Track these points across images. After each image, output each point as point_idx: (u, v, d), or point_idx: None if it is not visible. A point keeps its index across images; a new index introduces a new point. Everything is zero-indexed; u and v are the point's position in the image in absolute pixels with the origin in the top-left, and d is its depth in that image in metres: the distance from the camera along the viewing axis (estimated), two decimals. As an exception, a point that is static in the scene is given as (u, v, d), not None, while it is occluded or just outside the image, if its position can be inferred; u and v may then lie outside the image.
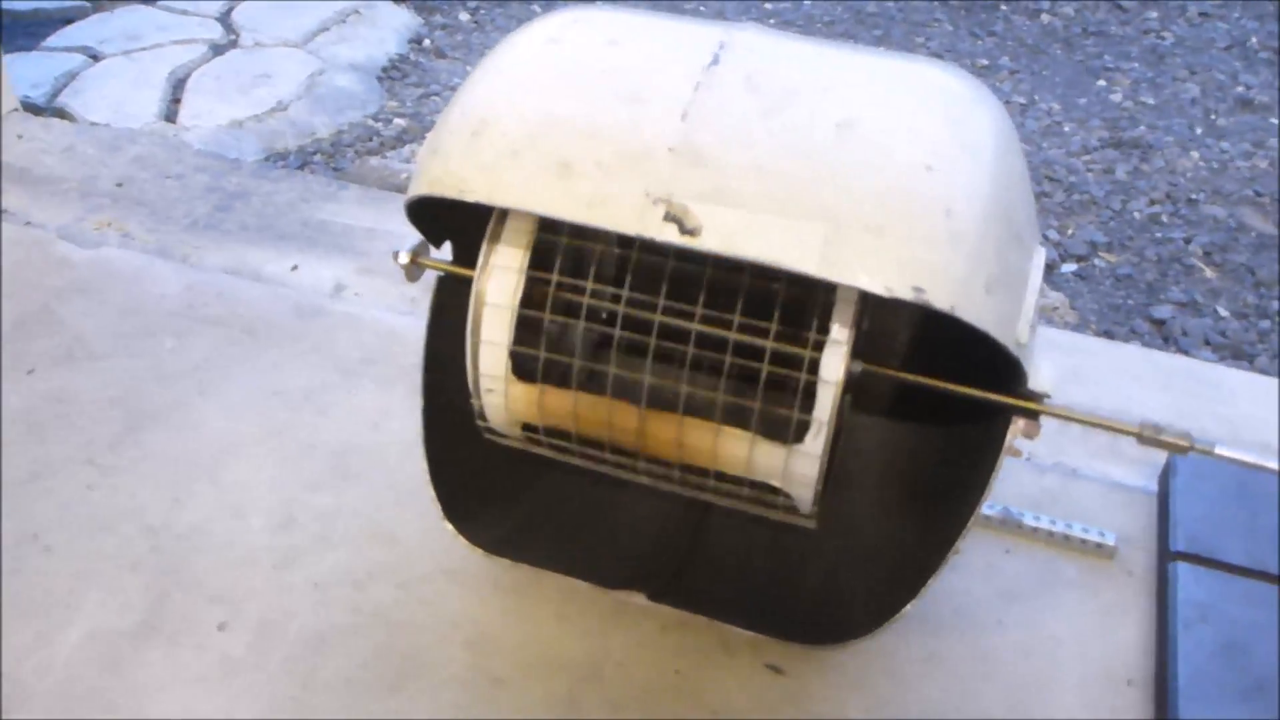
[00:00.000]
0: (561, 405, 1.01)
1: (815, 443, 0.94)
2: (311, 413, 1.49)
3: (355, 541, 1.32)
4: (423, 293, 1.59)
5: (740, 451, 0.97)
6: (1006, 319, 0.89)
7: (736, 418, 0.98)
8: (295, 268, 1.79)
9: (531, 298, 0.98)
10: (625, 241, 0.96)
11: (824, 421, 0.92)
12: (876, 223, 0.84)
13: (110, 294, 1.69)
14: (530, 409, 1.02)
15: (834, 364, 0.91)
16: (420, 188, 0.93)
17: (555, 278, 0.97)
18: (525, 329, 0.99)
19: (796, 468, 0.96)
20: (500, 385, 1.01)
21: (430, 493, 1.15)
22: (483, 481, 1.21)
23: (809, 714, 1.16)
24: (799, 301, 0.94)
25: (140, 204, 1.95)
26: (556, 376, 1.01)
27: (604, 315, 0.99)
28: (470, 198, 0.90)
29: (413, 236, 1.08)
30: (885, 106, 0.91)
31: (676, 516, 1.25)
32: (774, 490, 1.00)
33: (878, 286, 0.83)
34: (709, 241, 0.85)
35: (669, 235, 0.86)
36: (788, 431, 0.95)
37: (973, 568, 1.29)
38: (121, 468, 1.40)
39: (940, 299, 0.84)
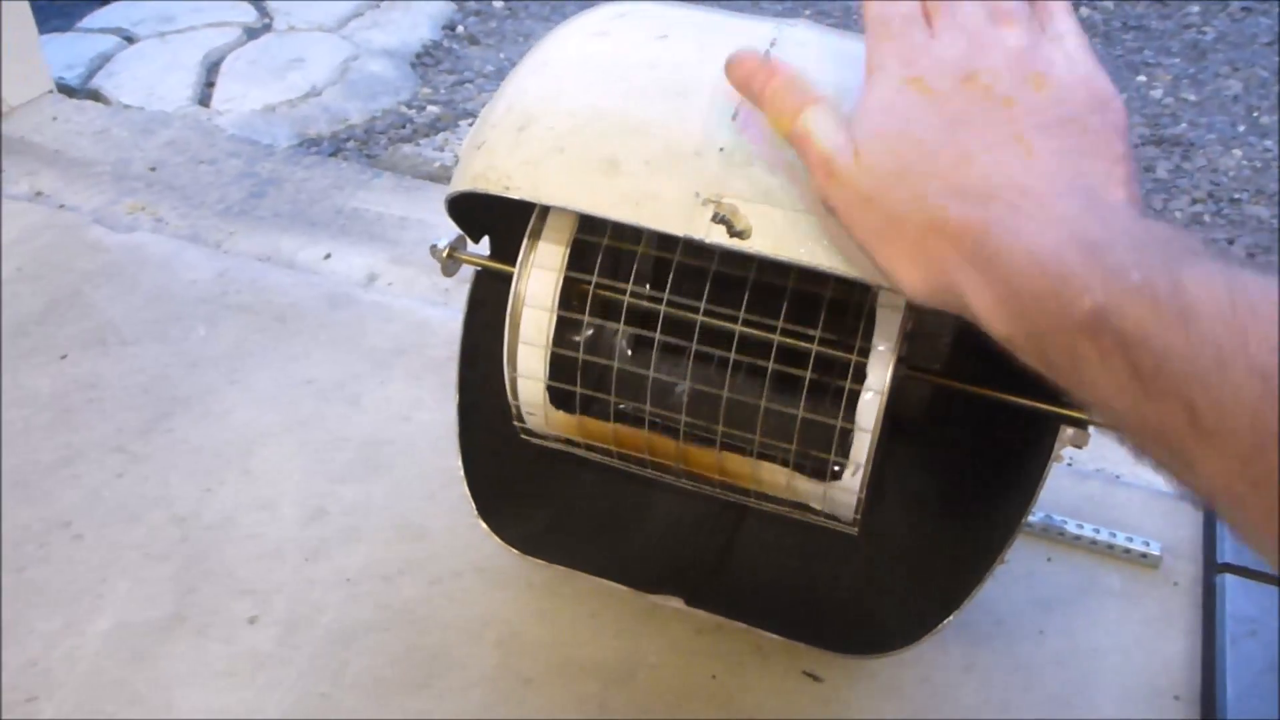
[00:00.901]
0: (601, 431, 1.00)
1: (853, 480, 0.92)
2: (342, 403, 1.47)
3: (385, 535, 1.30)
4: (455, 284, 1.58)
5: (780, 480, 0.97)
6: (1061, 327, 0.87)
7: (774, 456, 0.97)
8: (328, 256, 1.78)
9: (569, 303, 0.97)
10: (665, 247, 0.95)
11: (860, 464, 0.91)
12: (931, 227, 0.82)
13: (142, 279, 1.68)
14: (570, 431, 1.01)
15: (870, 412, 0.89)
16: (464, 183, 0.92)
17: (594, 285, 0.95)
18: (563, 336, 0.98)
19: (836, 497, 0.95)
20: (540, 411, 1.00)
21: (463, 489, 1.13)
22: (517, 479, 1.20)
23: (844, 721, 1.14)
24: (840, 314, 0.92)
25: (173, 188, 1.94)
26: (595, 409, 1.01)
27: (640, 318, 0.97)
28: (514, 194, 0.88)
29: (448, 228, 1.06)
30: (941, 107, 0.88)
31: (713, 518, 1.23)
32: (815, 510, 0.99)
33: (930, 293, 0.81)
34: (758, 244, 0.83)
35: (717, 237, 0.84)
36: (825, 469, 0.95)
37: (1013, 576, 1.27)
38: (151, 455, 1.40)
39: (995, 306, 0.81)
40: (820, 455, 0.93)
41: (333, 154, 2.30)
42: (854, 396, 0.90)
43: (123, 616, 1.22)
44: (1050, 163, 0.67)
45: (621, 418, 0.99)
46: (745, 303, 0.92)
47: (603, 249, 0.95)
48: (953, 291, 0.68)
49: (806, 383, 0.91)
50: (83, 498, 1.34)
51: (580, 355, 0.97)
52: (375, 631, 1.21)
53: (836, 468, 0.93)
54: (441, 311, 1.63)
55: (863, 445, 0.90)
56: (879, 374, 0.89)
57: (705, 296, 0.93)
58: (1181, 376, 0.55)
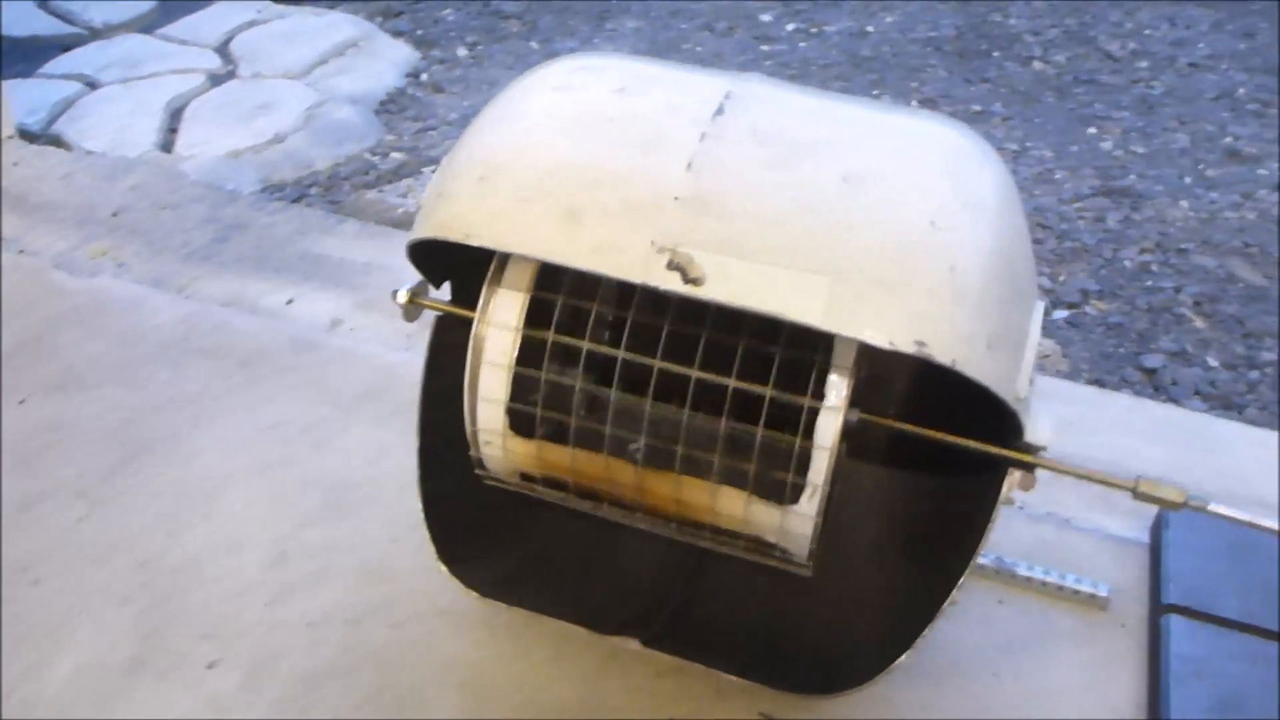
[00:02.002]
0: (560, 459, 1.01)
1: (810, 504, 0.94)
2: (307, 447, 1.48)
3: (349, 579, 1.31)
4: (420, 329, 1.59)
5: (736, 509, 0.98)
6: (1007, 373, 0.90)
7: (733, 478, 0.98)
8: (291, 301, 1.79)
9: (530, 349, 0.99)
10: (625, 296, 0.97)
11: (818, 485, 0.93)
12: (881, 277, 0.85)
13: (105, 324, 1.69)
14: (529, 461, 1.03)
15: (829, 429, 0.91)
16: (426, 230, 0.94)
17: (552, 336, 0.97)
18: (523, 382, 0.99)
19: (792, 526, 0.97)
20: (498, 439, 1.01)
21: (425, 533, 1.15)
22: (478, 523, 1.21)
23: (801, 762, 1.16)
24: (795, 365, 0.94)
25: (136, 234, 1.95)
26: (554, 432, 1.02)
27: (600, 364, 0.99)
28: (476, 242, 0.90)
29: (410, 274, 1.08)
30: (890, 161, 0.92)
31: (673, 562, 1.25)
32: (770, 544, 1.01)
33: (881, 340, 0.84)
34: (713, 291, 0.85)
35: (673, 284, 0.86)
36: (783, 493, 0.96)
37: (967, 617, 1.29)
38: (114, 499, 1.40)
39: (942, 353, 0.84)
40: (779, 475, 0.94)
41: (297, 200, 2.31)
42: (813, 418, 0.91)
43: (83, 661, 1.22)
44: None
45: (581, 443, 1.01)
46: (702, 345, 0.94)
47: (564, 296, 0.97)
48: None
49: (767, 399, 0.92)
50: (44, 543, 1.34)
51: (544, 375, 0.98)
52: (339, 675, 1.21)
53: (794, 489, 0.95)
54: (406, 356, 1.65)
55: (821, 464, 0.92)
56: (837, 391, 0.91)
57: (665, 334, 0.95)
58: None
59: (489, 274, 1.00)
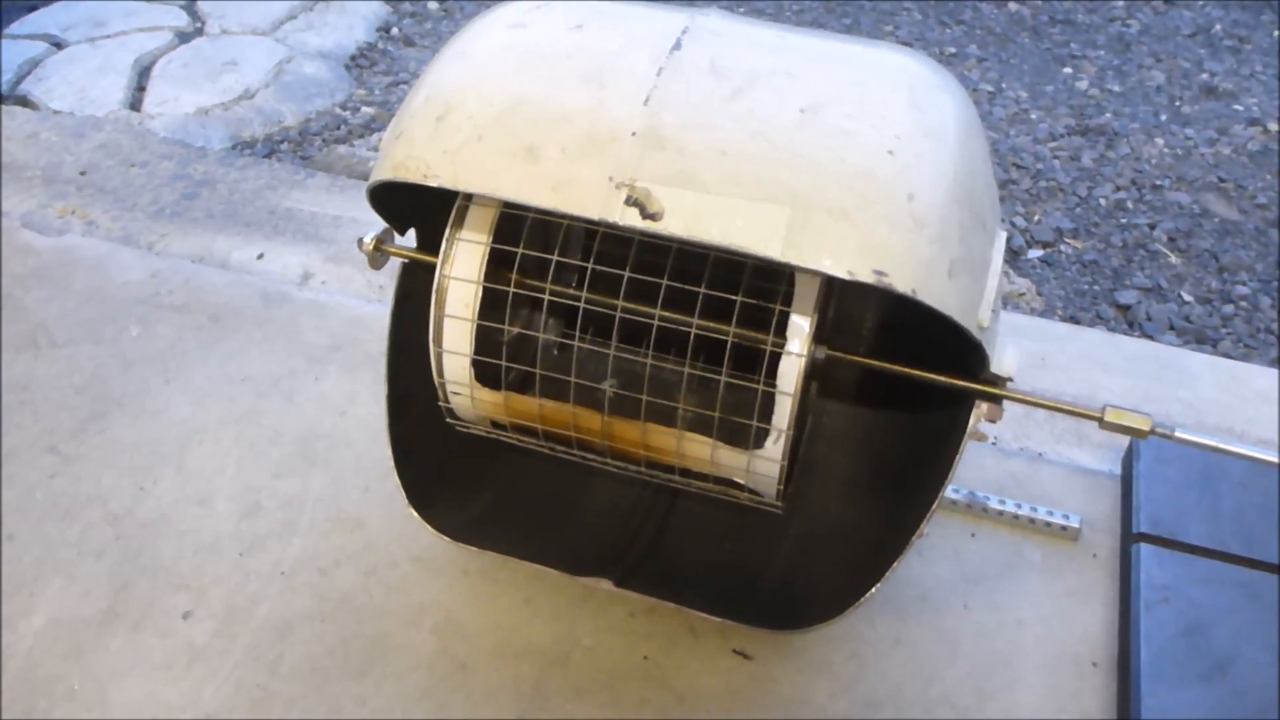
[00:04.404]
0: (527, 409, 1.01)
1: (775, 448, 0.94)
2: (278, 399, 1.48)
3: (321, 528, 1.31)
4: (389, 279, 1.59)
5: (703, 454, 0.98)
6: (969, 303, 0.89)
7: (698, 426, 0.99)
8: (261, 255, 1.78)
9: (493, 295, 0.98)
10: (588, 244, 0.97)
11: (783, 429, 0.93)
12: (839, 206, 0.84)
13: (74, 281, 1.68)
14: (497, 410, 1.03)
15: (791, 373, 0.91)
16: (384, 172, 0.93)
17: (513, 289, 0.97)
18: (487, 332, 0.99)
19: (759, 469, 0.97)
20: (465, 390, 1.01)
21: (396, 480, 1.15)
22: (448, 468, 1.21)
23: (775, 697, 1.16)
24: (760, 304, 0.94)
25: (104, 192, 1.93)
26: (521, 380, 1.02)
27: (565, 310, 0.99)
28: (434, 182, 0.89)
29: (379, 224, 1.07)
30: (848, 91, 0.91)
31: (644, 502, 1.25)
32: (739, 484, 1.01)
33: (840, 270, 0.84)
34: (672, 225, 0.85)
35: (631, 220, 0.86)
36: (748, 438, 0.96)
37: (938, 552, 1.30)
38: (85, 455, 1.39)
39: (902, 282, 0.84)
40: (742, 421, 0.94)
41: (267, 155, 2.29)
42: (775, 360, 0.91)
43: (57, 614, 1.22)
44: None
45: (548, 395, 1.01)
46: (664, 288, 0.94)
47: (528, 236, 0.97)
48: None
49: (730, 345, 0.92)
50: (15, 498, 1.34)
51: (505, 326, 0.98)
52: (312, 622, 1.22)
53: (759, 433, 0.95)
54: (376, 308, 1.64)
55: (784, 410, 0.92)
56: (799, 337, 0.91)
57: (626, 278, 0.95)
58: None
59: (449, 222, 1.00)
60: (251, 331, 1.59)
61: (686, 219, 0.84)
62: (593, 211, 0.86)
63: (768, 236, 0.84)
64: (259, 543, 1.29)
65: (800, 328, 0.91)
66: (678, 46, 0.93)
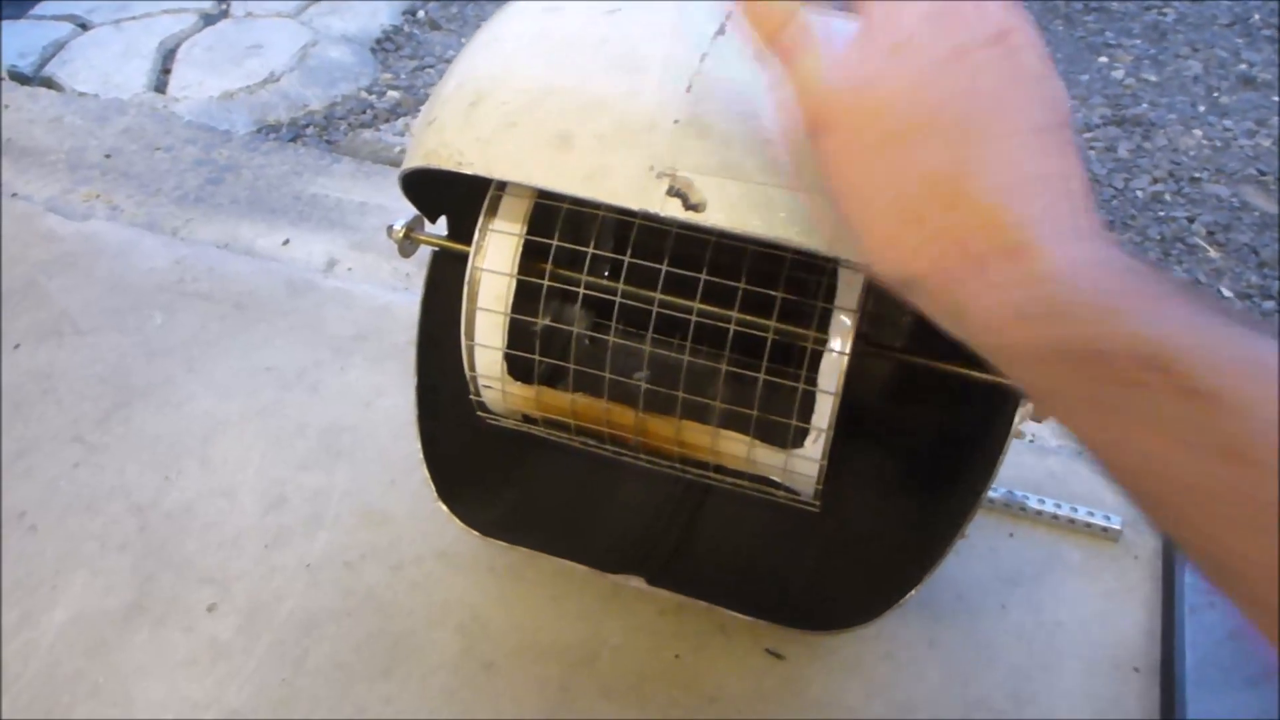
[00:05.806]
0: (560, 403, 0.99)
1: (815, 447, 0.92)
2: (303, 390, 1.46)
3: (347, 522, 1.29)
4: (416, 268, 1.57)
5: (740, 451, 0.96)
6: (1018, 299, 0.86)
7: (734, 422, 0.96)
8: (287, 242, 1.76)
9: (527, 286, 0.96)
10: (623, 235, 0.94)
11: (823, 429, 0.90)
12: (886, 199, 0.81)
13: (98, 268, 1.66)
14: (528, 405, 1.00)
15: (833, 372, 0.88)
16: (415, 160, 0.91)
17: (547, 281, 0.94)
18: (520, 325, 0.97)
19: (797, 468, 0.94)
20: (497, 384, 0.99)
21: (424, 474, 1.12)
22: (478, 462, 1.19)
23: (807, 699, 1.14)
24: (799, 284, 0.91)
25: (129, 176, 1.92)
26: (554, 373, 0.99)
27: (599, 303, 0.96)
28: (467, 170, 0.87)
29: (407, 211, 1.05)
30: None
31: (675, 498, 1.23)
32: (776, 482, 0.98)
33: (887, 265, 0.81)
34: (714, 217, 0.82)
35: (672, 210, 0.83)
36: (786, 436, 0.94)
37: (975, 552, 1.27)
38: (109, 446, 1.38)
39: (951, 278, 0.81)
40: (781, 420, 0.91)
41: (292, 140, 2.27)
42: (817, 357, 0.89)
43: (81, 608, 1.20)
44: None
45: (581, 389, 0.99)
46: (703, 281, 0.91)
47: (563, 227, 0.94)
48: (948, 280, 0.55)
49: (769, 342, 0.90)
50: (39, 489, 1.32)
51: (540, 321, 0.96)
52: (337, 618, 1.20)
53: (798, 432, 0.92)
54: (403, 297, 1.62)
55: (825, 408, 0.89)
56: (841, 334, 0.88)
57: (664, 271, 0.92)
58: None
59: (482, 212, 0.97)
60: (276, 321, 1.57)
61: (729, 210, 0.82)
62: (630, 201, 0.83)
63: (813, 229, 0.81)
64: (284, 536, 1.27)
65: (844, 324, 0.88)
66: (721, 32, 0.90)
